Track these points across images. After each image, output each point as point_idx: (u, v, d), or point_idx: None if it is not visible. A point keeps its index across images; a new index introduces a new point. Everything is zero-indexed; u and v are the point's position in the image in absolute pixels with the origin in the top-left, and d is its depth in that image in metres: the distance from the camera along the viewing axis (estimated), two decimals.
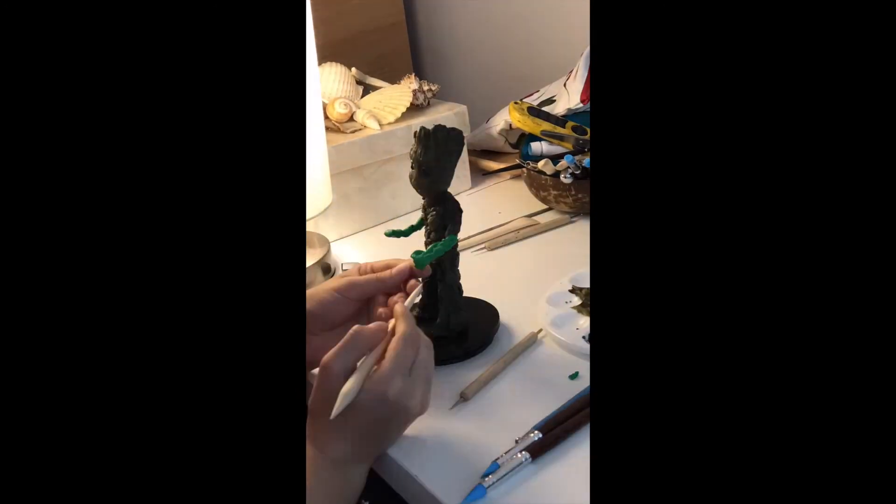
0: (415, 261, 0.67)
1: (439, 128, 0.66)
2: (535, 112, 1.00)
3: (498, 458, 0.55)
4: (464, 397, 0.63)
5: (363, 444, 0.55)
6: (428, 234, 0.69)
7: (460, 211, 0.69)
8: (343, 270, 0.89)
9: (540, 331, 0.71)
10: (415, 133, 0.67)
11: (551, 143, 0.99)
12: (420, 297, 0.67)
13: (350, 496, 0.56)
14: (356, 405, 0.52)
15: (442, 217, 0.68)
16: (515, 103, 1.01)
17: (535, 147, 1.00)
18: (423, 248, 0.68)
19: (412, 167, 0.67)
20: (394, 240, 0.72)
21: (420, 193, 0.69)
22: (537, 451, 0.55)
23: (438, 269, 0.69)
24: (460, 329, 0.71)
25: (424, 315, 0.72)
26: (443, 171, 0.67)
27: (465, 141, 1.07)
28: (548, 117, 1.00)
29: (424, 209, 0.70)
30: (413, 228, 0.71)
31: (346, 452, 0.54)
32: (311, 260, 0.87)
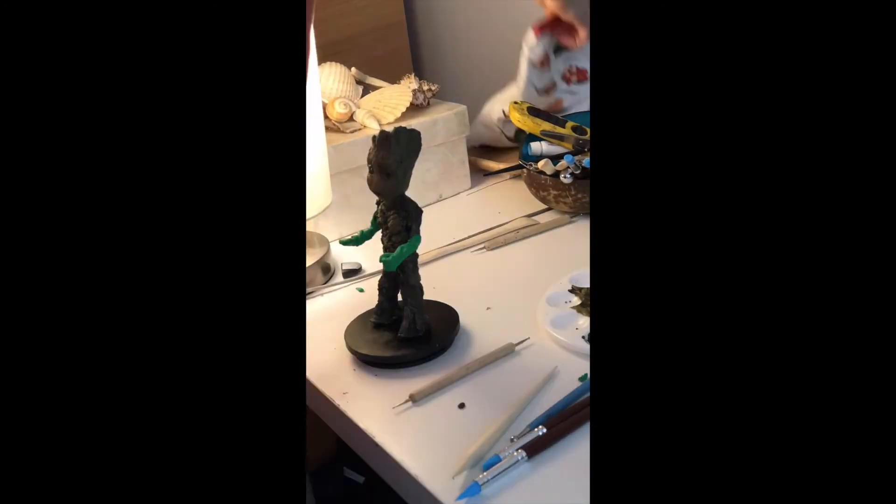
0: (384, 263, 0.67)
1: (401, 130, 0.67)
2: (534, 112, 1.00)
3: (501, 451, 0.55)
4: (412, 399, 0.63)
5: None
6: (389, 238, 0.70)
7: (421, 211, 0.70)
8: (343, 270, 0.89)
9: (523, 341, 0.70)
10: (374, 137, 0.67)
11: (551, 143, 0.99)
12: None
13: None
14: None
15: (405, 219, 0.69)
16: (515, 103, 1.01)
17: (535, 147, 1.00)
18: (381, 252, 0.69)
19: (371, 171, 0.67)
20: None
21: (381, 197, 0.69)
22: (533, 449, 0.55)
23: (401, 272, 0.70)
24: (426, 329, 0.71)
25: (381, 321, 0.73)
26: (405, 173, 0.68)
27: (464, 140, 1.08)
28: (548, 117, 1.00)
29: (382, 213, 0.70)
30: (365, 235, 0.72)
31: None
32: (310, 260, 0.87)
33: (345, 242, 0.72)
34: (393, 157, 0.66)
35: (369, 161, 0.67)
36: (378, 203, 0.71)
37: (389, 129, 0.67)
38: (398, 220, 0.69)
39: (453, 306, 0.75)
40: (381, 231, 0.71)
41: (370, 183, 0.68)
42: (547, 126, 0.99)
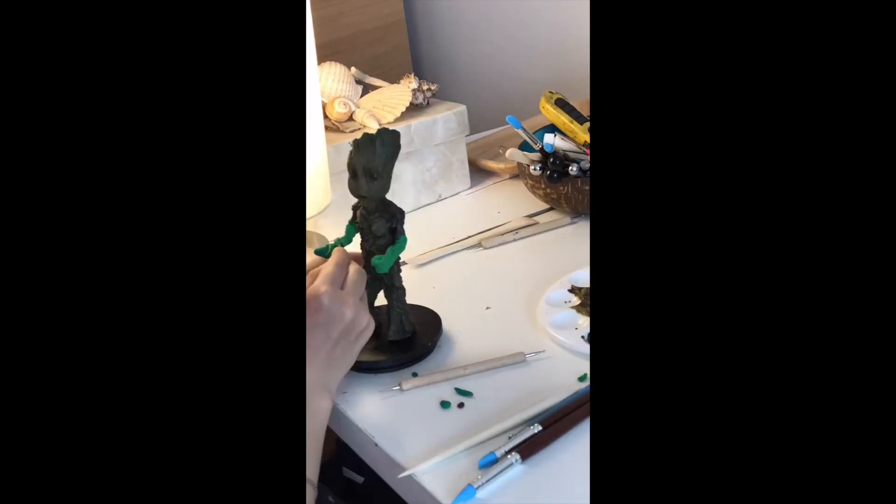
0: (377, 266, 0.67)
1: (384, 131, 0.66)
2: (561, 104, 0.98)
3: (496, 450, 0.56)
4: (401, 387, 0.65)
5: (314, 363, 0.58)
6: (373, 241, 0.68)
7: (403, 213, 0.69)
8: None
9: (538, 353, 0.69)
10: (354, 141, 0.66)
11: (564, 137, 0.97)
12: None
13: (315, 430, 0.57)
14: None
15: (389, 221, 0.68)
16: (550, 92, 0.99)
17: (548, 139, 0.98)
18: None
19: (353, 175, 0.67)
20: None
21: (366, 200, 0.68)
22: (527, 451, 0.55)
23: (386, 274, 0.69)
24: (413, 330, 0.71)
25: None
26: (389, 175, 0.67)
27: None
28: (571, 111, 0.98)
29: (363, 217, 0.68)
30: (341, 242, 0.69)
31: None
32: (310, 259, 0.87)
33: (319, 252, 0.69)
34: (378, 158, 0.66)
35: (350, 166, 0.67)
36: (356, 207, 0.69)
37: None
38: (382, 223, 0.68)
39: (452, 306, 0.75)
40: (359, 235, 0.69)
41: (354, 188, 0.68)
42: (566, 120, 0.97)
